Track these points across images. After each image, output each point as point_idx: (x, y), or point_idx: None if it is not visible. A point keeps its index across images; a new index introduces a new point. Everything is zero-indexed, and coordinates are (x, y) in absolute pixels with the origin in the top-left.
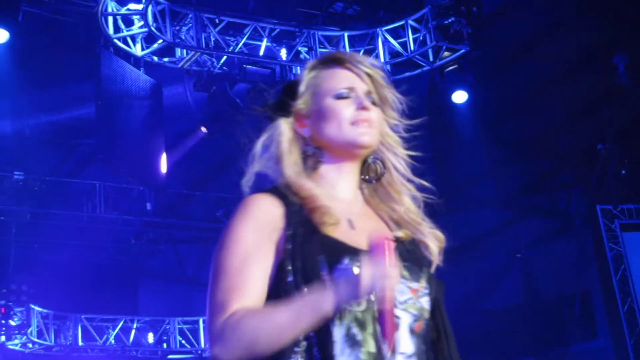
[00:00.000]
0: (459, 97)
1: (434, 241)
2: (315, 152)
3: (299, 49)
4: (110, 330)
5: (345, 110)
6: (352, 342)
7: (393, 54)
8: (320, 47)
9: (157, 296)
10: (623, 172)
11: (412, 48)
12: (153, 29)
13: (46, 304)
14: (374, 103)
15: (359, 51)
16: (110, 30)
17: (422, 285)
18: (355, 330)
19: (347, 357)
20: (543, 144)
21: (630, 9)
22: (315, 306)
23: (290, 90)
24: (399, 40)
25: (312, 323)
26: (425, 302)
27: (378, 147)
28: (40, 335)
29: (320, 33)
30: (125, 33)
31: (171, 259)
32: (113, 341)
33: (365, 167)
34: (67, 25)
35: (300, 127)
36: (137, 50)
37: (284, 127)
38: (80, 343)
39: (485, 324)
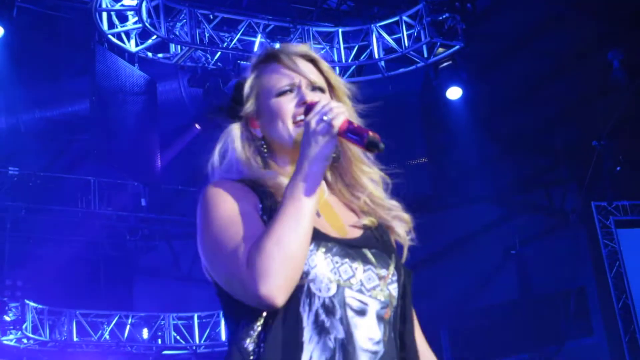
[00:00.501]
0: (453, 93)
1: (400, 224)
2: (269, 151)
3: (310, 46)
4: (105, 326)
5: (287, 106)
6: (321, 328)
7: (387, 50)
8: (314, 43)
9: (152, 292)
10: (618, 168)
11: (406, 44)
12: (147, 24)
13: (41, 300)
14: (321, 90)
15: (354, 47)
16: (105, 26)
17: (390, 272)
18: (323, 316)
19: (315, 344)
20: (538, 141)
21: (625, 5)
22: (296, 176)
23: (236, 94)
24: (394, 37)
25: (309, 193)
26: (393, 289)
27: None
28: (35, 330)
29: (314, 29)
30: (119, 29)
31: (166, 255)
32: (108, 337)
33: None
34: (61, 21)
35: (253, 128)
36: (132, 46)
37: (236, 131)
38: (75, 338)
39: (480, 320)
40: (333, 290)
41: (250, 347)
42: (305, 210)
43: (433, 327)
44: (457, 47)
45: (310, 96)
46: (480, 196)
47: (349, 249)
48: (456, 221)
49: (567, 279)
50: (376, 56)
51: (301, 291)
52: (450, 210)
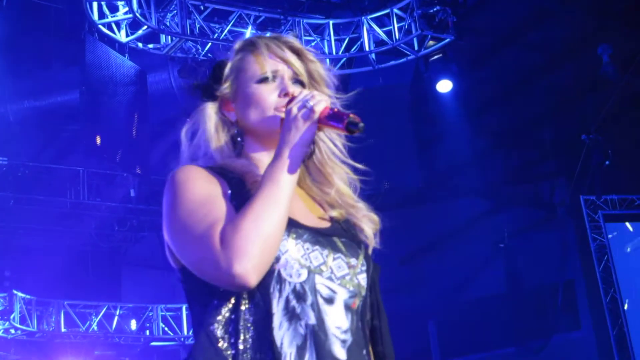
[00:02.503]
0: (444, 86)
1: (368, 224)
2: (242, 137)
3: (296, 38)
4: (93, 317)
5: (269, 96)
6: (291, 314)
7: (378, 42)
8: (305, 35)
9: (141, 283)
10: (607, 162)
11: (397, 37)
12: (138, 15)
13: (29, 290)
14: (302, 84)
15: (344, 40)
16: (95, 16)
17: (360, 262)
18: (294, 302)
19: (285, 330)
20: (527, 134)
21: None
22: (276, 161)
23: (215, 73)
24: (384, 29)
25: (287, 177)
26: (362, 279)
27: None
28: (22, 321)
29: (305, 21)
30: (109, 19)
31: (154, 246)
32: (96, 327)
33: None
34: (51, 11)
35: (227, 111)
36: (122, 36)
37: (210, 111)
38: (63, 329)
39: (468, 313)
40: (304, 276)
41: (219, 333)
42: (284, 194)
43: (421, 319)
44: (447, 40)
45: (292, 88)
46: (469, 189)
47: (320, 236)
48: (445, 214)
49: (555, 273)
50: (367, 48)
51: (271, 277)
52: (439, 203)
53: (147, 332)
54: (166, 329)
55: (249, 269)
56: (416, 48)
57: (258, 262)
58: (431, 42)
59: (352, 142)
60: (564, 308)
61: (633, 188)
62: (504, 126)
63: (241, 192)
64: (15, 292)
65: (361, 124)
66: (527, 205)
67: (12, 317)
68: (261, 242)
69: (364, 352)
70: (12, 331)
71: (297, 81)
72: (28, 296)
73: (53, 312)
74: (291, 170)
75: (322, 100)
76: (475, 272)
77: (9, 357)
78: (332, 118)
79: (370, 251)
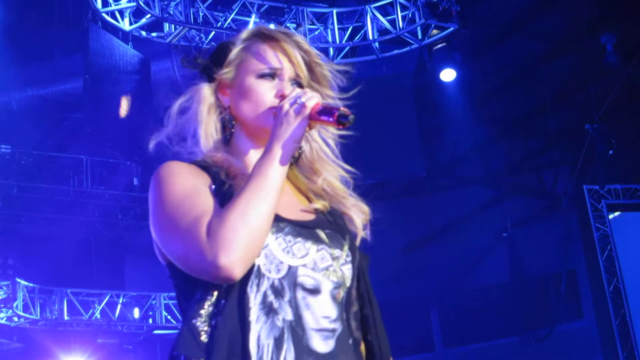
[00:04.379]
0: (447, 75)
1: (358, 214)
2: (231, 123)
3: (288, 25)
4: (96, 305)
5: (266, 94)
6: (269, 309)
7: (382, 31)
8: (309, 24)
9: (143, 271)
10: (610, 152)
11: (400, 26)
12: (141, 3)
13: (32, 278)
14: (300, 85)
15: (348, 28)
16: (99, 4)
17: (344, 253)
18: (271, 298)
19: (263, 324)
20: (531, 124)
21: None
22: (266, 156)
23: (218, 55)
24: (388, 18)
25: (276, 172)
26: (347, 270)
27: None
28: (26, 309)
29: (309, 9)
30: (113, 7)
31: None
32: (99, 316)
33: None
34: None
35: (222, 95)
36: (125, 24)
37: (206, 92)
38: (66, 317)
39: (471, 302)
40: (283, 272)
41: (201, 326)
42: (272, 188)
43: (424, 308)
44: (451, 29)
45: (289, 90)
46: (473, 178)
47: (302, 229)
48: (448, 203)
49: (558, 262)
50: (370, 37)
51: (251, 271)
52: (443, 193)
53: (150, 321)
54: (169, 317)
55: (234, 261)
56: (420, 37)
57: (244, 254)
58: (435, 31)
59: (355, 131)
60: (567, 297)
61: (636, 177)
62: (508, 115)
63: (224, 187)
64: (18, 280)
65: (351, 117)
66: (531, 195)
67: (15, 305)
68: (248, 235)
69: (350, 341)
70: (15, 319)
71: (297, 82)
72: (31, 284)
73: (56, 300)
74: (281, 165)
75: (314, 97)
76: (478, 261)
77: (12, 345)
78: (322, 113)
79: (358, 241)
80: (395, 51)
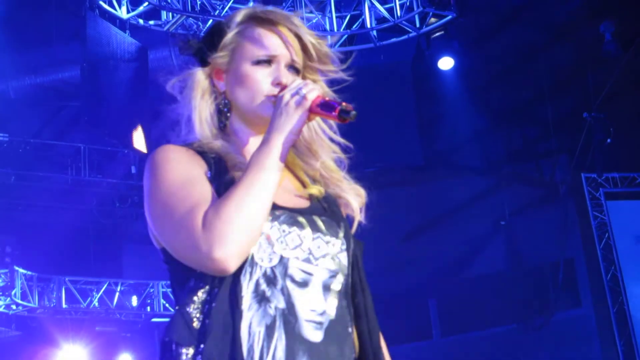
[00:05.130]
0: (445, 63)
1: (354, 197)
2: (227, 108)
3: (300, 17)
4: (94, 293)
5: (262, 81)
6: (261, 297)
7: (379, 19)
8: (306, 12)
9: (141, 259)
10: (608, 140)
11: (398, 14)
12: None
13: (30, 266)
14: (297, 70)
15: (345, 16)
16: None
17: (339, 240)
18: (264, 286)
19: (255, 312)
20: (529, 112)
21: None
22: (264, 147)
23: (212, 39)
24: (386, 6)
25: (274, 164)
26: (343, 258)
27: None
28: (24, 297)
29: None
30: None
31: None
32: (97, 304)
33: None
34: None
35: (218, 80)
36: (123, 12)
37: (200, 76)
38: (64, 305)
39: (469, 291)
40: (275, 261)
41: (194, 313)
42: (269, 181)
43: (421, 297)
44: (449, 17)
45: (286, 77)
46: (471, 167)
47: (298, 216)
48: (446, 192)
49: (556, 251)
50: (368, 25)
51: (245, 259)
52: (441, 181)
53: (148, 309)
54: (167, 305)
55: (229, 254)
56: (418, 25)
57: (239, 248)
58: (433, 20)
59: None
60: (565, 285)
61: (634, 166)
62: (506, 104)
63: (220, 175)
64: (16, 268)
65: (353, 112)
66: (528, 183)
67: (13, 293)
68: (243, 228)
69: (349, 330)
70: (14, 307)
71: (293, 68)
72: (29, 272)
73: (54, 288)
74: (279, 158)
75: (315, 89)
76: (476, 250)
77: (10, 332)
78: (324, 107)
79: (355, 226)
80: (393, 39)
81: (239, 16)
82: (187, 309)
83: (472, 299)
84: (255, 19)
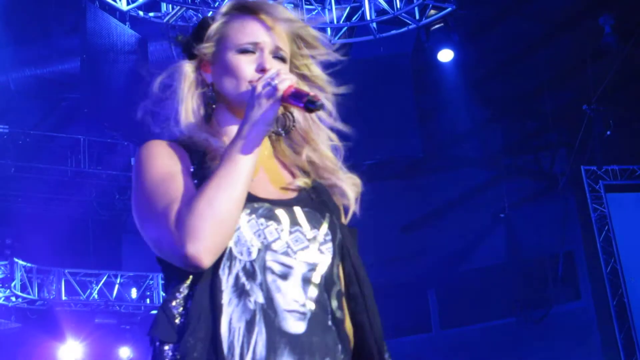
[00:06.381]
0: (445, 56)
1: (350, 186)
2: (214, 101)
3: (285, 5)
4: (94, 285)
5: (246, 68)
6: (241, 291)
7: (379, 11)
8: (306, 4)
9: (141, 251)
10: (608, 133)
11: (398, 6)
12: None
13: (30, 258)
14: (282, 59)
15: (345, 8)
16: None
17: (322, 232)
18: (243, 280)
19: (234, 307)
20: (528, 104)
21: None
22: (236, 140)
23: (198, 32)
24: None
25: (247, 156)
26: (326, 249)
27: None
28: (23, 289)
29: None
30: None
31: None
32: (96, 296)
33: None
34: None
35: (205, 72)
36: (123, 4)
37: (187, 69)
38: (63, 297)
39: (468, 283)
40: (254, 254)
41: (176, 310)
42: (241, 173)
43: (421, 289)
44: (449, 9)
45: (270, 63)
46: (470, 159)
47: (278, 208)
48: (445, 184)
49: (556, 243)
50: (368, 17)
51: (223, 253)
52: (440, 174)
53: (148, 301)
54: None
55: (201, 250)
56: (417, 17)
57: (211, 243)
58: (432, 12)
59: (352, 111)
60: (564, 278)
61: (634, 158)
62: (505, 96)
63: (203, 169)
64: (16, 260)
65: (319, 103)
66: (528, 176)
67: (13, 285)
68: (215, 223)
69: (329, 323)
70: (13, 299)
71: (279, 57)
72: (29, 264)
73: (54, 280)
74: (250, 149)
75: (287, 79)
76: (476, 242)
77: (9, 324)
78: (293, 97)
79: (350, 215)
80: (393, 32)
81: (224, 7)
82: (170, 305)
83: (472, 291)
84: (238, 9)
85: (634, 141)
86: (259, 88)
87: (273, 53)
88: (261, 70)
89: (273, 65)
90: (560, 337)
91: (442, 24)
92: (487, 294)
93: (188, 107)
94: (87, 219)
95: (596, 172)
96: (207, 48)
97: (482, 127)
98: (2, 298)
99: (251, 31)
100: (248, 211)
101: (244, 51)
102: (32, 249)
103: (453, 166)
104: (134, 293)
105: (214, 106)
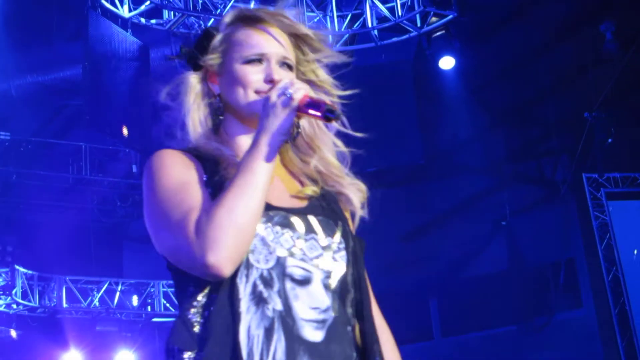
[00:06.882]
0: (446, 63)
1: (356, 193)
2: (221, 112)
3: (287, 12)
4: (95, 293)
5: (254, 77)
6: (259, 299)
7: (381, 19)
8: (307, 11)
9: (142, 259)
10: (609, 140)
11: (399, 13)
12: None
13: (31, 265)
14: (289, 66)
15: (347, 16)
16: None
17: (336, 240)
18: (261, 287)
19: (252, 314)
20: (530, 112)
21: None
22: (252, 150)
23: (202, 43)
24: (387, 5)
25: (263, 166)
26: (340, 257)
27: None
28: (24, 296)
29: None
30: None
31: None
32: (97, 303)
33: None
34: None
35: (212, 83)
36: (125, 11)
37: (192, 80)
38: (64, 304)
39: (469, 290)
40: (272, 262)
41: (194, 318)
42: (259, 183)
43: (422, 297)
44: (450, 16)
45: (278, 73)
46: (472, 167)
47: (293, 216)
48: (447, 191)
49: (557, 251)
50: (369, 25)
51: (240, 262)
52: (441, 181)
53: (149, 308)
54: (168, 304)
55: (222, 259)
56: (419, 24)
57: (232, 252)
58: (434, 19)
59: (353, 119)
60: (566, 286)
61: (635, 166)
62: (507, 103)
63: (216, 178)
64: (17, 267)
65: (338, 112)
66: (529, 183)
67: (14, 292)
68: (235, 233)
69: (348, 328)
70: (14, 306)
71: (285, 64)
72: (30, 271)
73: (55, 287)
74: (268, 159)
75: (302, 88)
76: (477, 249)
77: (10, 332)
78: (310, 106)
79: (357, 220)
80: (394, 39)
81: (227, 17)
82: (188, 314)
83: (473, 299)
84: (242, 19)
85: (635, 148)
86: (274, 97)
87: (279, 62)
88: (269, 80)
89: (281, 75)
90: (562, 345)
91: (443, 32)
92: (488, 301)
93: (195, 118)
94: (89, 226)
95: (598, 180)
96: (213, 59)
97: (484, 134)
98: (3, 305)
99: (257, 42)
100: (264, 219)
101: (250, 62)
102: (33, 256)
103: (454, 173)
104: (135, 300)
105: (221, 117)
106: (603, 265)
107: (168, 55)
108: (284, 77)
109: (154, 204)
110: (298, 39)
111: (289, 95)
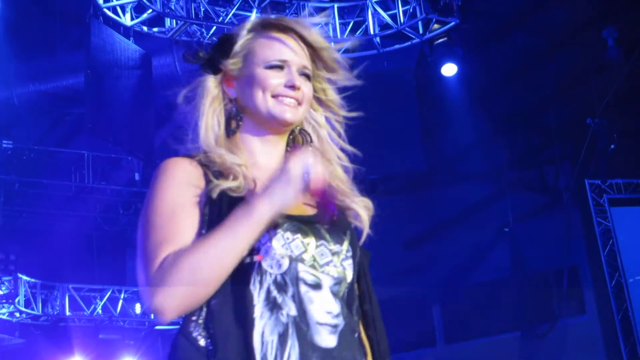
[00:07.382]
0: (448, 70)
1: (363, 209)
2: (239, 116)
3: (310, 25)
4: (98, 300)
5: (274, 82)
6: (273, 305)
7: (383, 26)
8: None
9: None
10: (612, 146)
11: (401, 20)
12: None
13: (34, 274)
14: (307, 77)
15: (349, 23)
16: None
17: (344, 248)
18: (275, 293)
19: (267, 320)
20: (532, 118)
21: None
22: (247, 211)
23: (223, 47)
24: (389, 12)
25: (250, 233)
26: (348, 265)
27: (310, 117)
28: (27, 304)
29: (310, 4)
30: (114, 2)
31: None
32: (100, 311)
33: (291, 137)
34: None
35: (228, 87)
36: (127, 19)
37: (210, 84)
38: (67, 313)
39: (473, 297)
40: (285, 267)
41: (197, 332)
42: (237, 249)
43: (425, 303)
44: (452, 23)
45: (299, 81)
46: (474, 174)
47: (302, 224)
48: (449, 198)
49: (560, 257)
50: (371, 32)
51: (252, 268)
52: (444, 188)
53: (152, 316)
54: None
55: (167, 307)
56: (421, 31)
57: (179, 304)
58: (436, 26)
59: (356, 126)
60: (569, 292)
61: (638, 172)
62: (509, 110)
63: (217, 193)
64: (20, 275)
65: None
66: (532, 190)
67: (17, 300)
68: (191, 290)
69: (356, 335)
70: (17, 314)
71: (304, 74)
72: (33, 279)
73: (58, 295)
74: (258, 228)
75: (320, 179)
76: (480, 256)
77: (13, 340)
78: (316, 195)
79: (364, 237)
80: (397, 46)
81: (249, 24)
82: (189, 329)
83: (476, 305)
84: (265, 26)
85: (638, 155)
86: (298, 170)
87: (299, 71)
88: (290, 86)
89: (301, 83)
90: (565, 351)
91: (445, 38)
92: (491, 308)
93: (208, 121)
94: (91, 234)
95: (600, 186)
96: (234, 64)
97: (486, 141)
98: (6, 314)
99: (279, 48)
100: (274, 226)
101: (272, 67)
102: (36, 265)
103: (457, 180)
104: (138, 308)
105: (240, 122)
106: (606, 271)
107: (188, 57)
108: (303, 85)
109: (143, 220)
110: (314, 53)
111: (307, 180)
